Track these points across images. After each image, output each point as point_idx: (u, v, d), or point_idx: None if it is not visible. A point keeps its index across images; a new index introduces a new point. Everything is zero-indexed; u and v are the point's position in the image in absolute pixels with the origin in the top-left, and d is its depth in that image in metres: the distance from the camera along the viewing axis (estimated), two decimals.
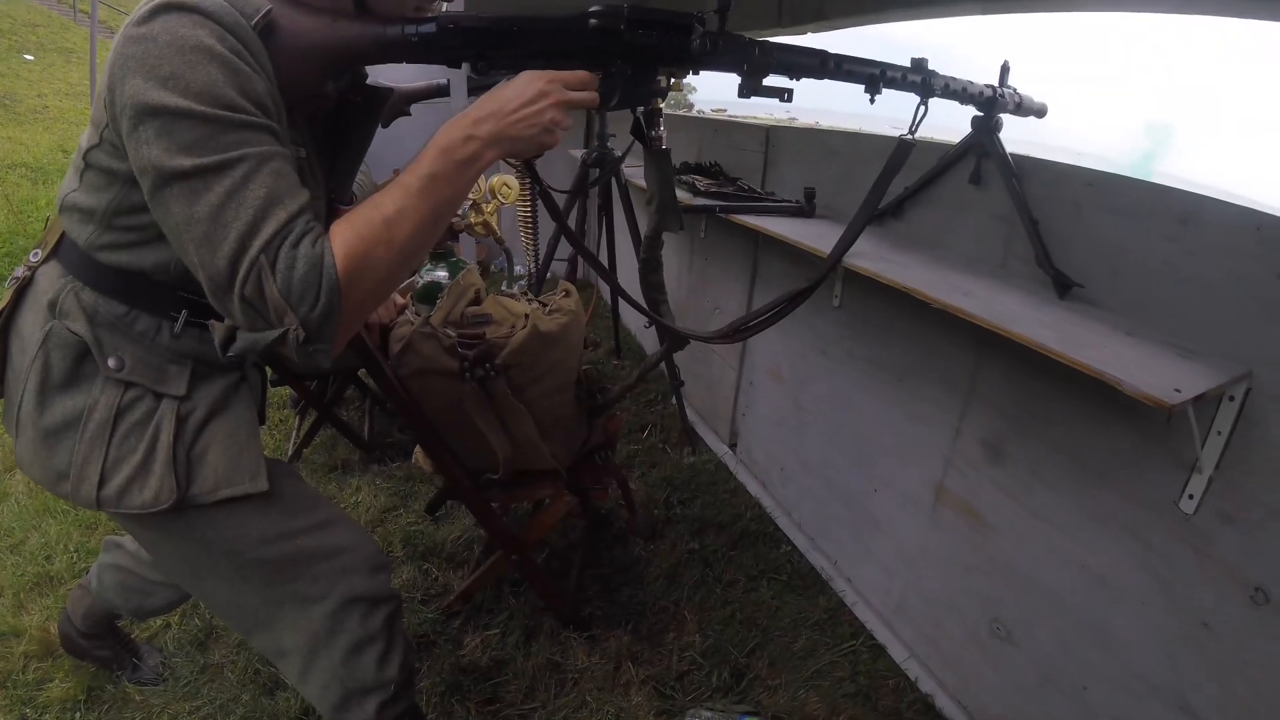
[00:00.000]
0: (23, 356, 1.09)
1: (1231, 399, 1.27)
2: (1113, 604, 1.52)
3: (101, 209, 1.01)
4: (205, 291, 0.87)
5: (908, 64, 1.34)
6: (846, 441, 2.38)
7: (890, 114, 1.58)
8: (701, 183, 2.58)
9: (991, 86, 1.54)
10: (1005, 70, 1.60)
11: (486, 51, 1.00)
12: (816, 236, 2.00)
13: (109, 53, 0.89)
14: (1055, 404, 1.63)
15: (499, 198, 2.09)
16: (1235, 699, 1.31)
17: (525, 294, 1.98)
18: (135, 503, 1.06)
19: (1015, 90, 1.60)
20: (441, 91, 2.01)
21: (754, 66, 1.13)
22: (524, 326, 1.71)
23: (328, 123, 1.14)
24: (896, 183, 1.65)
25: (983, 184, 1.81)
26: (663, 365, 2.99)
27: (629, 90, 1.06)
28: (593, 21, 1.01)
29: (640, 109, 1.12)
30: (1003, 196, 1.72)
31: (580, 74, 1.00)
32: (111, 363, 1.06)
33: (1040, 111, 1.68)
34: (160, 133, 0.82)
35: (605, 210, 3.49)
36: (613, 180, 3.16)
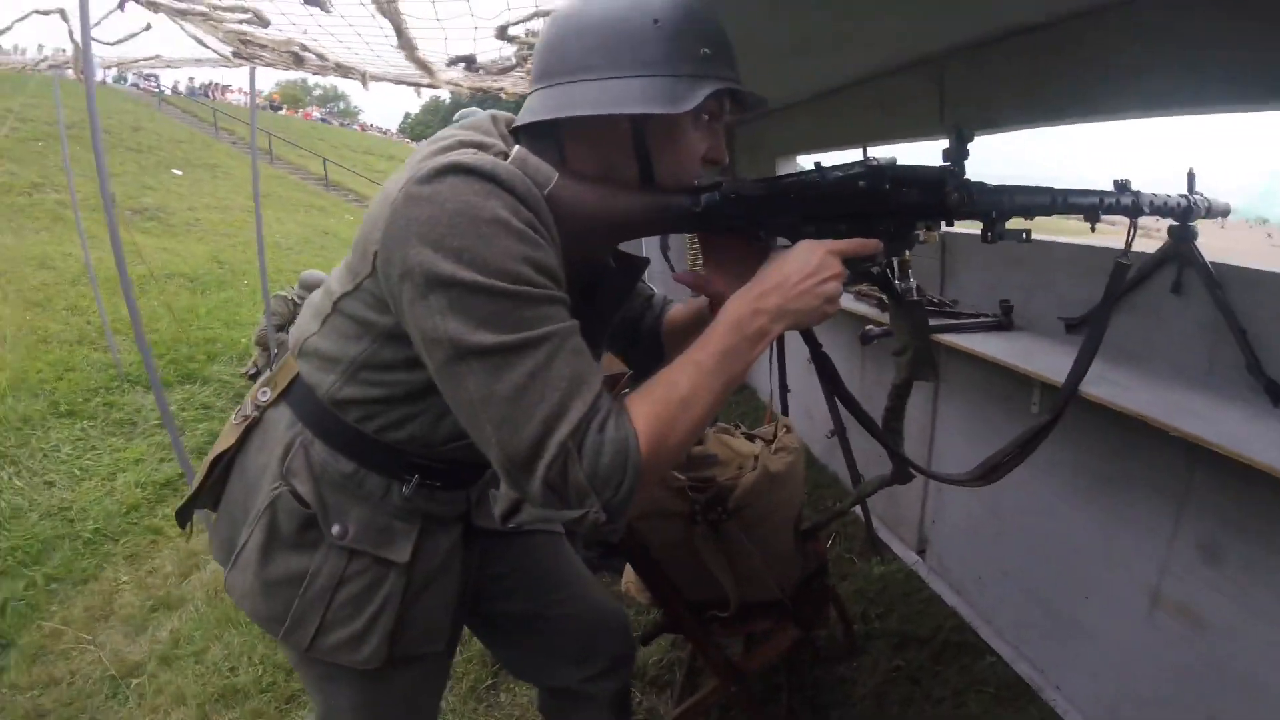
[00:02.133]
0: (246, 496, 1.14)
1: None
2: None
3: (348, 360, 1.03)
4: (496, 467, 0.84)
5: (1111, 187, 1.34)
6: (1050, 548, 2.40)
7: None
8: (877, 297, 2.60)
9: (1185, 196, 1.54)
10: (1192, 177, 1.64)
11: (762, 219, 1.03)
12: (1024, 354, 2.04)
13: (383, 201, 0.89)
14: (1268, 502, 1.63)
15: None
16: None
17: (740, 429, 2.01)
18: (344, 660, 1.11)
19: (1203, 195, 1.59)
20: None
21: (1002, 213, 1.15)
22: (753, 468, 1.78)
23: (588, 292, 1.10)
24: (1092, 289, 1.64)
25: (1184, 293, 1.86)
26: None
27: (890, 243, 1.07)
28: (861, 184, 1.02)
29: (894, 260, 1.14)
30: (1204, 305, 1.80)
31: (859, 243, 1.01)
32: (335, 530, 1.09)
33: (1225, 212, 1.68)
34: (455, 306, 0.81)
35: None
36: None
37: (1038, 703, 2.31)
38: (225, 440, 1.20)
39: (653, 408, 0.87)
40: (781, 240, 1.04)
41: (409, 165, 0.90)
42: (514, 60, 3.22)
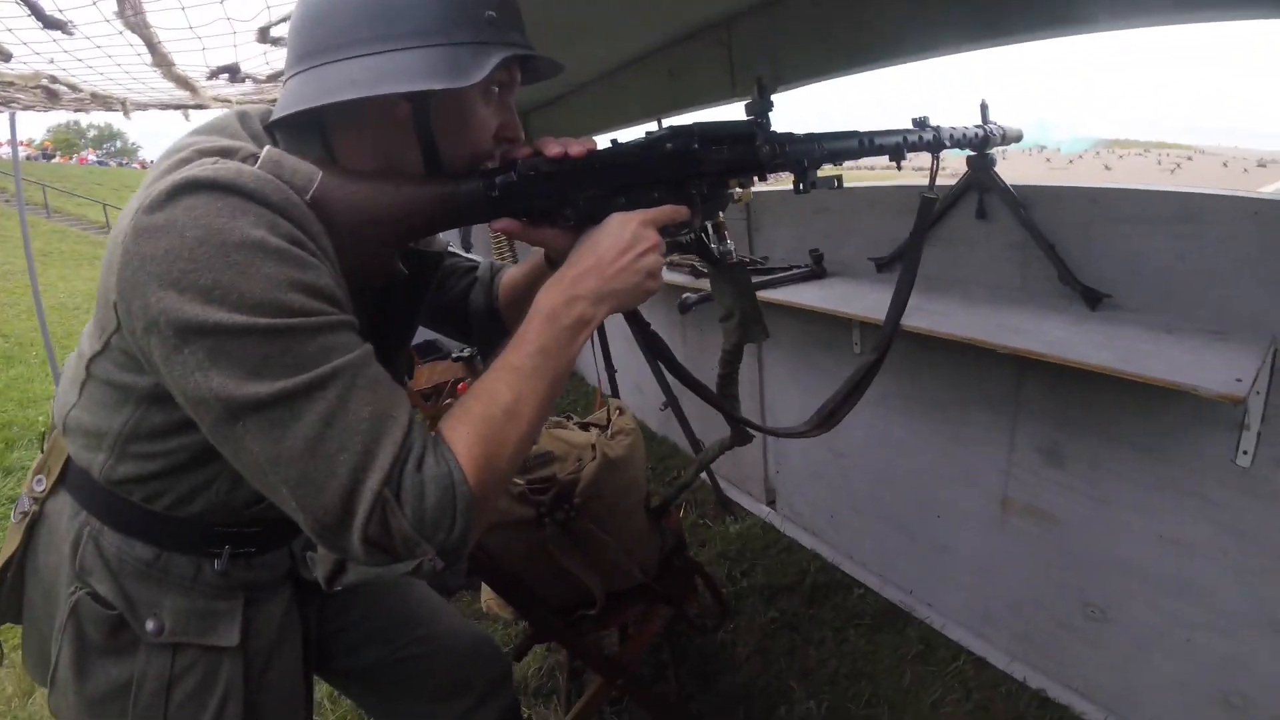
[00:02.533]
0: (46, 604, 0.96)
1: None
2: (1194, 560, 1.69)
3: (114, 433, 0.86)
4: (306, 531, 0.69)
5: (911, 125, 1.38)
6: (897, 477, 2.47)
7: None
8: (691, 264, 2.60)
9: (980, 126, 1.61)
10: (985, 109, 1.70)
11: (569, 195, 0.90)
12: (841, 299, 2.08)
13: (114, 239, 0.72)
14: (1102, 402, 1.77)
15: None
16: None
17: (572, 420, 1.96)
18: None
19: (997, 124, 1.66)
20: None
21: (813, 161, 1.14)
22: (593, 458, 1.72)
23: (380, 304, 0.95)
24: (897, 228, 1.84)
25: (988, 217, 1.91)
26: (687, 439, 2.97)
27: (704, 205, 1.03)
28: (668, 145, 0.96)
29: (709, 224, 1.10)
30: (1009, 226, 1.87)
31: (670, 209, 0.94)
32: (150, 626, 0.92)
33: (1018, 138, 1.77)
34: (215, 356, 0.65)
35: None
36: None
37: (914, 623, 2.39)
38: (10, 542, 1.00)
39: (473, 428, 0.75)
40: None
41: (140, 190, 0.72)
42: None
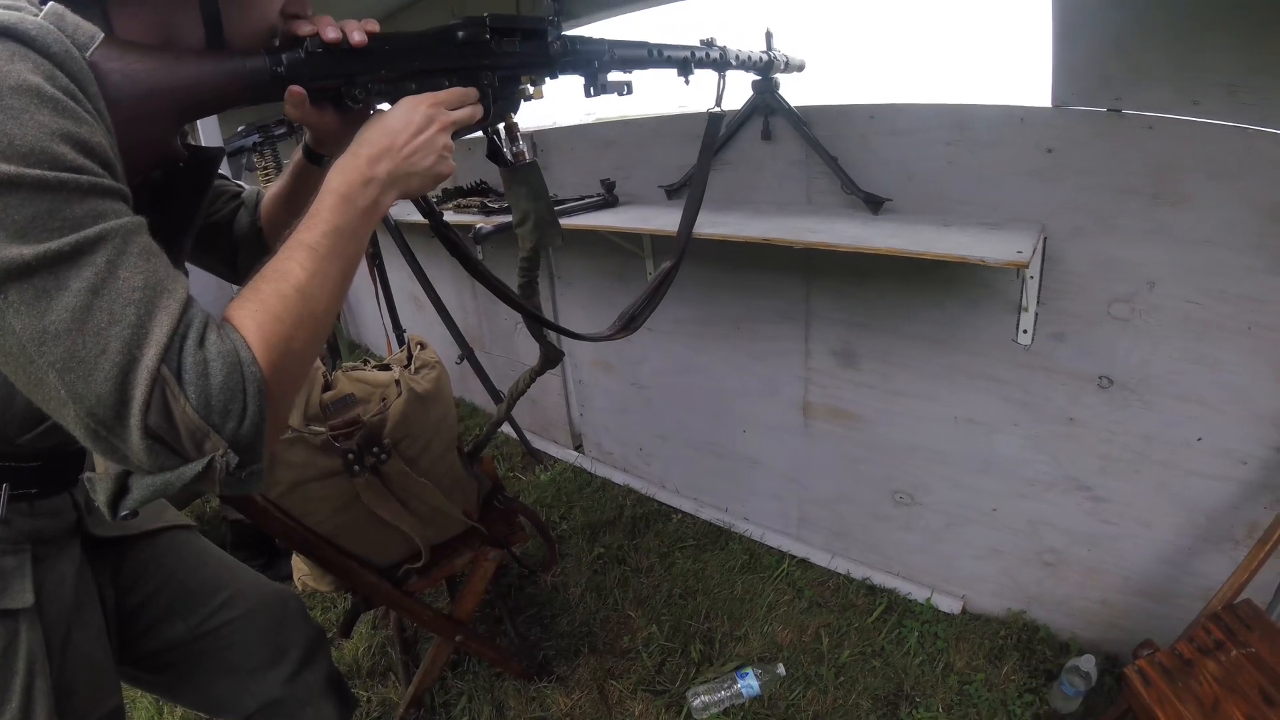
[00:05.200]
0: None
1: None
2: (990, 436, 1.92)
3: None
4: (77, 430, 0.61)
5: (699, 44, 1.43)
6: (699, 400, 2.60)
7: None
8: (478, 203, 2.56)
9: (765, 52, 1.69)
10: (769, 36, 1.80)
11: (358, 77, 0.88)
12: (635, 221, 2.14)
13: None
14: (887, 302, 1.96)
15: None
16: (1114, 463, 1.76)
17: (369, 360, 1.86)
18: None
19: (780, 51, 1.75)
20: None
21: (603, 64, 1.17)
22: (398, 394, 1.64)
23: (157, 195, 0.86)
24: (684, 155, 1.98)
25: (773, 138, 2.03)
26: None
27: (497, 103, 1.03)
28: (460, 34, 0.96)
29: (500, 125, 1.10)
30: (793, 145, 1.99)
31: (460, 91, 0.93)
32: None
33: (801, 66, 1.86)
34: None
35: (374, 258, 3.28)
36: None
37: (735, 538, 2.54)
38: None
39: (264, 306, 0.68)
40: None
41: None
42: None
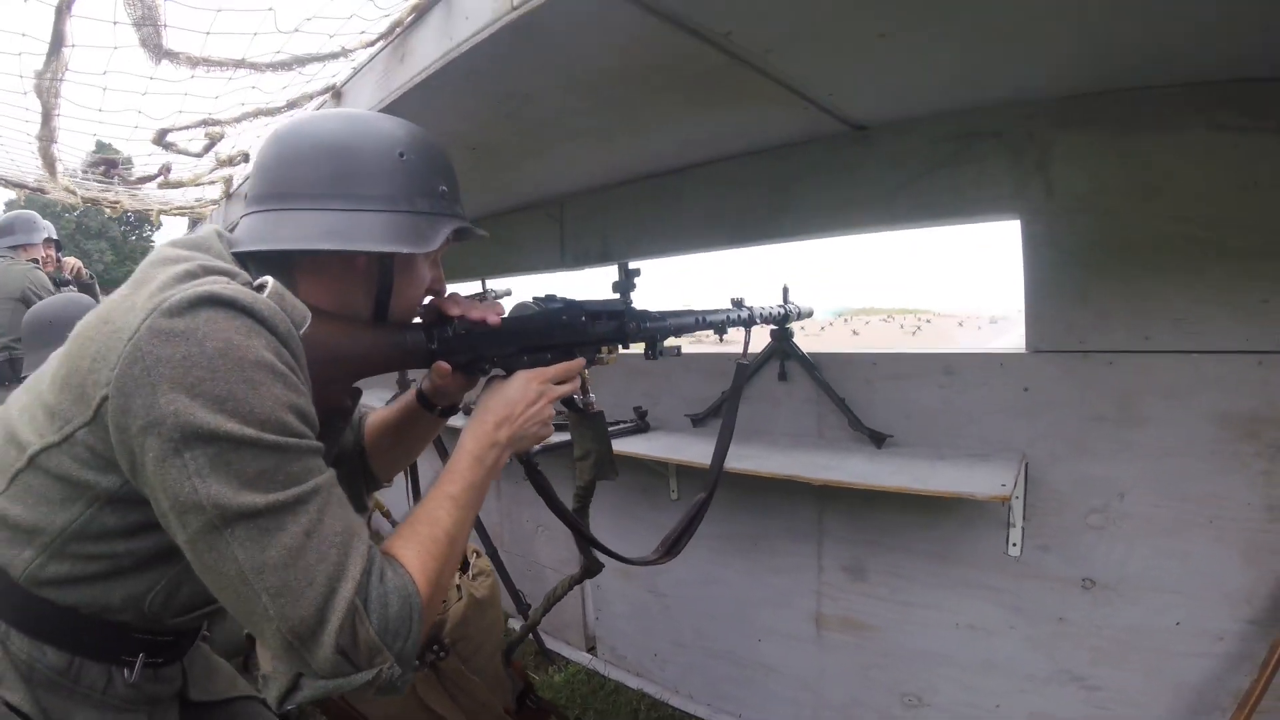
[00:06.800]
0: None
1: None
2: (990, 639, 2.12)
3: (55, 530, 0.83)
4: (271, 642, 0.74)
5: (731, 304, 1.75)
6: (716, 609, 2.77)
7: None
8: None
9: (781, 306, 2.03)
10: (786, 291, 2.16)
11: (487, 351, 1.10)
12: (664, 449, 2.44)
13: (110, 334, 0.75)
14: (893, 521, 2.21)
15: None
16: (1104, 654, 1.95)
17: None
18: None
19: (794, 304, 2.10)
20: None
21: (663, 334, 1.46)
22: (459, 598, 1.84)
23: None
24: (708, 388, 2.38)
25: (788, 379, 2.38)
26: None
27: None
28: (563, 318, 1.21)
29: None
30: (805, 385, 2.33)
31: (564, 367, 1.15)
32: None
33: (810, 314, 2.20)
34: (217, 464, 0.71)
35: None
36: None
37: None
38: None
39: (422, 547, 0.86)
40: (496, 370, 1.13)
41: (142, 293, 0.76)
42: (155, 171, 2.84)
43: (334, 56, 1.89)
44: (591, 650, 3.39)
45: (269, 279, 0.81)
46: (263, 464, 0.73)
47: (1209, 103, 1.69)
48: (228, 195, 3.18)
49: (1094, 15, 1.38)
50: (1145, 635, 1.89)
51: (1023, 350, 1.99)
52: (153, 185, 3.07)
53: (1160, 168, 1.76)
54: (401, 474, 3.56)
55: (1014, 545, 2.02)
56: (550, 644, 3.47)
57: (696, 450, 2.26)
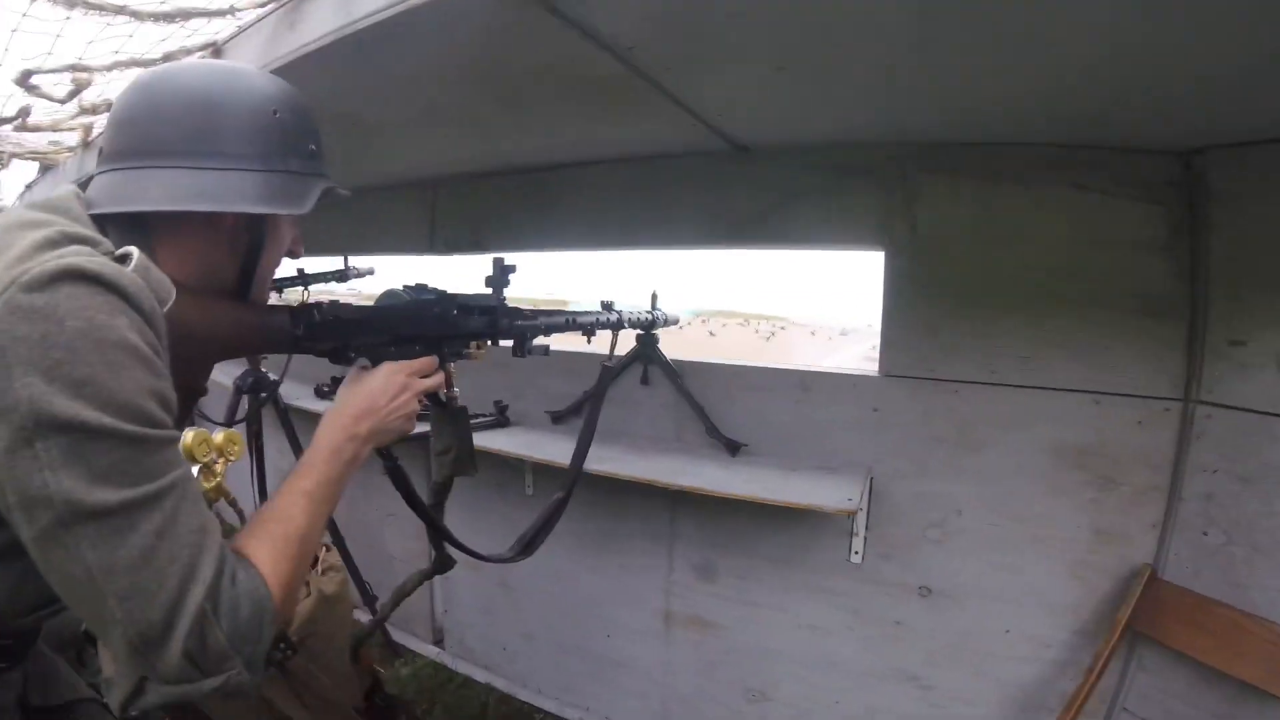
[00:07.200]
0: None
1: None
2: (829, 639, 2.25)
3: None
4: (116, 644, 0.69)
5: (600, 307, 1.79)
6: (568, 604, 2.82)
7: None
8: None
9: (649, 311, 2.08)
10: (654, 297, 2.22)
11: (351, 340, 1.08)
12: (524, 445, 2.46)
13: None
14: (742, 526, 2.32)
15: (227, 456, 2.04)
16: (937, 656, 2.11)
17: None
18: None
19: (661, 310, 2.16)
20: None
21: (533, 332, 1.47)
22: (306, 594, 1.79)
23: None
24: (570, 385, 2.45)
25: (650, 383, 2.44)
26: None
27: (445, 361, 1.24)
28: (435, 310, 1.20)
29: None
30: (667, 390, 2.40)
31: (428, 360, 1.14)
32: None
33: (676, 321, 2.28)
34: (70, 456, 0.64)
35: (257, 436, 3.40)
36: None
37: None
38: None
39: (275, 548, 0.81)
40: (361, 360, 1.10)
41: None
42: (14, 114, 2.52)
43: (220, 14, 1.81)
44: (439, 643, 3.36)
45: (134, 250, 0.74)
46: (116, 456, 0.66)
47: (1072, 165, 1.85)
48: (85, 143, 2.96)
49: (902, 80, 1.51)
50: (976, 640, 2.05)
51: (875, 373, 2.12)
52: (8, 127, 2.84)
53: (1016, 218, 1.93)
54: (246, 456, 3.46)
55: (856, 553, 2.15)
56: (397, 636, 3.43)
57: (556, 448, 2.29)
